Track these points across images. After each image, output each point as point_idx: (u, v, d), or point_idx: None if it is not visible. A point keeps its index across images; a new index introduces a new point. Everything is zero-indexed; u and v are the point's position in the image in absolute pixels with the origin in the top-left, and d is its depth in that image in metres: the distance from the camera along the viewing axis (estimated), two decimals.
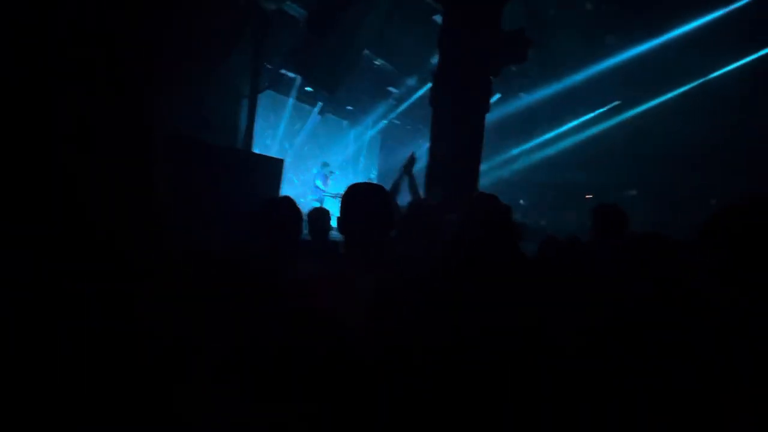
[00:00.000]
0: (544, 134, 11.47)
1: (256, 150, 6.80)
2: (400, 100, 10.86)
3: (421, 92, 9.84)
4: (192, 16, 4.75)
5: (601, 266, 2.09)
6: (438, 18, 6.07)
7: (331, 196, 9.15)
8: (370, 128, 12.53)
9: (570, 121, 11.04)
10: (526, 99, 10.15)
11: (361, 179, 12.62)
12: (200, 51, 5.17)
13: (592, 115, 10.73)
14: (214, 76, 5.50)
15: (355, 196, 1.55)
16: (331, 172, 10.16)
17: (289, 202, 1.95)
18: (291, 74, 8.39)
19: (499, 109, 9.56)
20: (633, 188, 9.82)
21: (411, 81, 9.80)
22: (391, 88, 10.51)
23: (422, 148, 10.21)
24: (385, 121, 12.07)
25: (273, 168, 4.85)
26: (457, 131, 3.80)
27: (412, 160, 3.51)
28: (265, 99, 8.13)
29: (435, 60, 6.42)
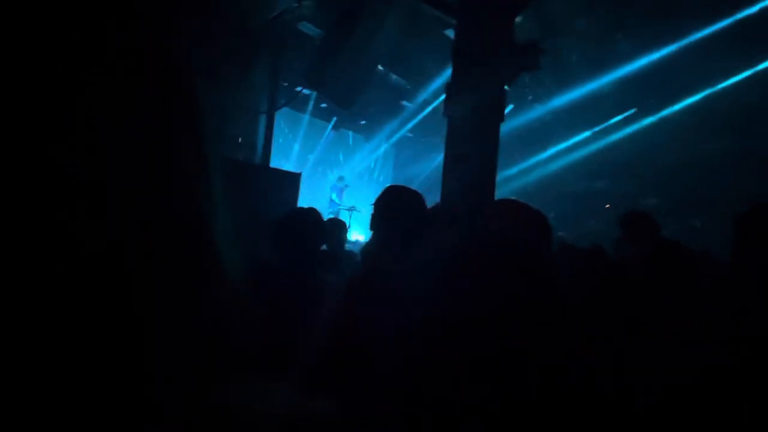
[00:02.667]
0: (559, 143, 11.40)
1: (273, 165, 6.94)
2: (414, 114, 10.95)
3: (433, 105, 9.92)
4: (212, 38, 4.93)
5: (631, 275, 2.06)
6: (449, 32, 6.16)
7: (347, 210, 9.22)
8: (384, 142, 12.65)
9: (585, 130, 10.96)
10: (541, 109, 10.13)
11: (375, 192, 12.69)
12: (220, 70, 5.34)
13: (607, 123, 10.64)
14: (234, 95, 5.67)
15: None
16: (346, 186, 10.24)
17: (313, 213, 2.02)
18: (306, 91, 8.57)
19: (514, 119, 9.57)
20: (652, 197, 9.65)
21: (424, 95, 9.90)
22: (404, 102, 10.61)
23: (436, 161, 10.23)
24: (398, 135, 12.17)
25: (290, 181, 4.95)
26: (472, 141, 3.82)
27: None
28: (281, 115, 8.31)
29: (447, 74, 6.47)
